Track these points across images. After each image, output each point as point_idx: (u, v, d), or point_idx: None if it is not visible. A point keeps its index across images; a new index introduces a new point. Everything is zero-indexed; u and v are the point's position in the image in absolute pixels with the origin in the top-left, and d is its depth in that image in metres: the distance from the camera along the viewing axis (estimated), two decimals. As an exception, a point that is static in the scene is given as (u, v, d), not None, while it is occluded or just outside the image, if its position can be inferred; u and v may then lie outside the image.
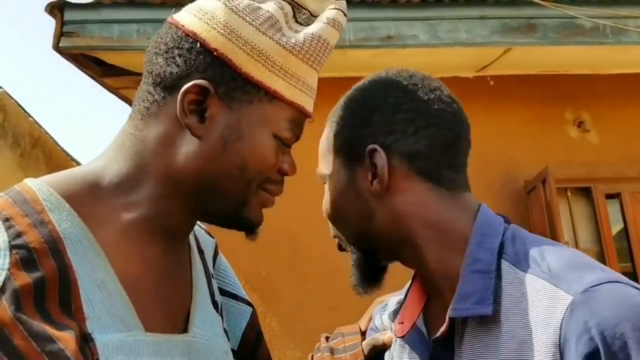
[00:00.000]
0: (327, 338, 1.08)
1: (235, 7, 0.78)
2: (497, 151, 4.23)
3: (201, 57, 0.76)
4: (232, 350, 0.93)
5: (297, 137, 0.84)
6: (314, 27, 0.81)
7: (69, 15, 3.80)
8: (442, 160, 0.84)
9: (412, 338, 0.85)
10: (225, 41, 0.75)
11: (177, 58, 0.77)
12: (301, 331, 3.87)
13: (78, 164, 5.55)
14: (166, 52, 0.78)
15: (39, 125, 5.00)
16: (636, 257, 4.13)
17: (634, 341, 0.60)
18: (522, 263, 0.75)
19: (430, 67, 4.58)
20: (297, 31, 0.81)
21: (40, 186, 0.74)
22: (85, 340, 0.66)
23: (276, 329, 3.97)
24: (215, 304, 0.90)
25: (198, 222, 0.97)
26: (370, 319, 1.05)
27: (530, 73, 4.48)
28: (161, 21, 3.70)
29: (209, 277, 0.91)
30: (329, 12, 0.83)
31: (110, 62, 4.13)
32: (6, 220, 0.69)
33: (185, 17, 0.80)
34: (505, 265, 0.76)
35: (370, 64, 4.24)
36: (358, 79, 4.07)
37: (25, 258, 0.67)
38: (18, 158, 4.66)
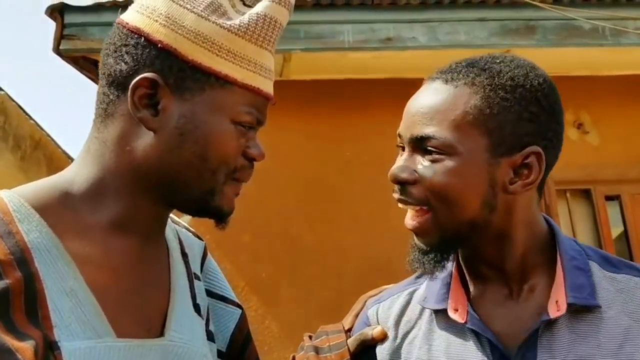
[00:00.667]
0: (310, 337, 1.06)
1: None
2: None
3: (147, 50, 0.76)
4: (220, 351, 0.94)
5: (258, 121, 0.82)
6: (260, 7, 0.81)
7: (69, 18, 3.82)
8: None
9: (475, 324, 0.82)
10: (168, 32, 0.75)
11: (125, 55, 0.77)
12: (301, 334, 3.85)
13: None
14: (115, 51, 0.79)
15: (40, 128, 5.01)
16: (636, 259, 4.13)
17: None
18: (608, 265, 0.85)
19: (430, 69, 4.56)
20: (244, 13, 0.81)
21: (12, 197, 0.75)
22: (50, 349, 0.67)
23: (276, 331, 3.98)
24: (197, 306, 0.89)
25: (186, 225, 0.98)
26: (355, 316, 1.03)
27: (529, 75, 4.48)
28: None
29: (191, 279, 0.91)
30: None
31: (111, 64, 4.15)
32: None
33: (129, 15, 0.82)
34: (594, 266, 0.85)
35: (369, 66, 4.25)
36: (358, 80, 4.09)
37: None
38: (19, 161, 4.67)
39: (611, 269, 0.85)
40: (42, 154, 4.95)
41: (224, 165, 0.78)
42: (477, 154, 0.80)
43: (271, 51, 0.82)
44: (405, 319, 0.94)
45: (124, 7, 3.54)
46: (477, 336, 0.82)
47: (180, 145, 0.76)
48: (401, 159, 0.86)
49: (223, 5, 0.79)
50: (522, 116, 0.82)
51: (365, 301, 1.04)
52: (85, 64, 4.10)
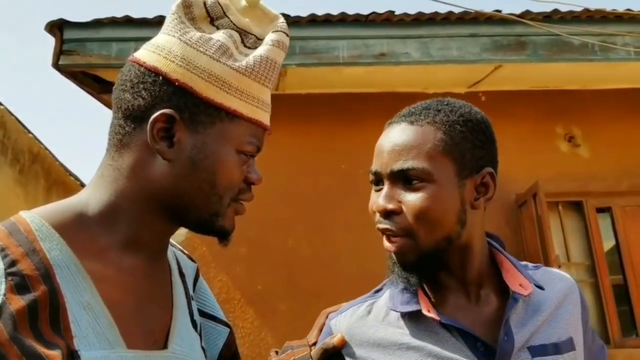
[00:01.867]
0: (276, 352, 1.13)
1: (189, 40, 0.87)
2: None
3: (164, 88, 0.84)
4: None
5: (258, 149, 0.92)
6: (261, 50, 0.91)
7: (68, 34, 3.88)
8: None
9: (447, 319, 0.95)
10: (184, 71, 0.84)
11: (143, 92, 0.85)
12: (297, 345, 3.89)
13: (77, 179, 5.59)
14: (132, 87, 0.87)
15: (39, 141, 5.04)
16: (627, 270, 4.18)
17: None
18: (525, 267, 1.06)
19: (423, 83, 4.68)
20: (246, 55, 0.90)
21: (33, 218, 0.81)
22: (72, 357, 0.73)
23: (271, 344, 3.99)
24: (194, 323, 0.97)
25: (180, 247, 1.06)
26: (320, 330, 1.10)
27: (521, 89, 4.56)
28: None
29: (189, 298, 0.99)
30: (272, 35, 0.93)
31: (109, 79, 4.20)
32: (2, 250, 0.76)
33: (144, 55, 0.89)
34: (531, 267, 1.08)
35: (364, 81, 4.32)
36: (353, 95, 4.16)
37: (19, 284, 0.74)
38: (17, 174, 4.70)
39: (531, 268, 1.08)
40: (41, 167, 4.97)
41: (230, 190, 0.87)
42: (449, 179, 0.94)
43: (270, 88, 0.92)
44: (368, 325, 1.02)
45: (123, 23, 3.60)
46: (448, 330, 0.94)
47: (192, 173, 0.84)
48: (382, 192, 0.97)
49: (230, 48, 0.88)
50: (475, 144, 0.97)
51: (327, 315, 1.12)
52: (84, 78, 4.16)
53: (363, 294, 1.11)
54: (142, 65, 0.87)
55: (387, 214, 0.95)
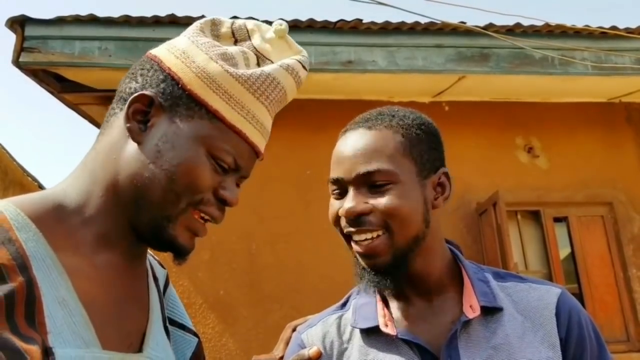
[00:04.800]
0: None
1: (197, 40, 0.87)
2: (451, 174, 4.35)
3: (156, 74, 0.84)
4: None
5: (237, 166, 0.86)
6: (268, 67, 0.88)
7: (30, 31, 3.79)
8: None
9: (405, 334, 0.95)
10: (179, 63, 0.84)
11: (138, 77, 0.85)
12: (258, 352, 3.87)
13: (34, 179, 5.45)
14: (132, 73, 0.87)
15: (-6, 140, 4.90)
16: (582, 278, 4.30)
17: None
18: (498, 277, 1.03)
19: (389, 92, 4.73)
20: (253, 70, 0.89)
21: (8, 206, 0.77)
22: (46, 354, 0.70)
23: (232, 349, 3.97)
24: (166, 329, 0.95)
25: (152, 253, 1.02)
26: (286, 344, 1.10)
27: (483, 100, 4.66)
28: (123, 39, 3.76)
29: (162, 303, 0.97)
30: (287, 59, 0.91)
31: (71, 78, 4.12)
32: None
33: (156, 49, 0.90)
34: (489, 277, 1.02)
35: (331, 88, 4.34)
36: (319, 101, 4.16)
37: None
38: (-29, 173, 4.57)
39: (500, 280, 1.03)
40: (-4, 167, 4.84)
41: (189, 191, 0.81)
42: (412, 179, 0.95)
43: (268, 108, 0.88)
44: (337, 339, 1.02)
45: (87, 22, 3.53)
46: (408, 345, 0.94)
47: (154, 161, 0.81)
48: (348, 197, 0.97)
49: (235, 58, 0.87)
50: (430, 146, 0.99)
51: (294, 328, 1.12)
52: (45, 77, 4.06)
53: (324, 300, 1.11)
54: (147, 56, 0.88)
55: (356, 217, 0.94)
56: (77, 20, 3.87)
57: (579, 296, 4.23)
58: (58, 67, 3.92)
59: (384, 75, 4.13)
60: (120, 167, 0.82)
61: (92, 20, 3.87)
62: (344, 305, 1.08)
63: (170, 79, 0.83)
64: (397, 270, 0.95)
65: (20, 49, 3.75)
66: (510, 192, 4.18)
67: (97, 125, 4.97)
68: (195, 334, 1.04)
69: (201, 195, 0.83)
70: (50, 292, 0.74)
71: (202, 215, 0.84)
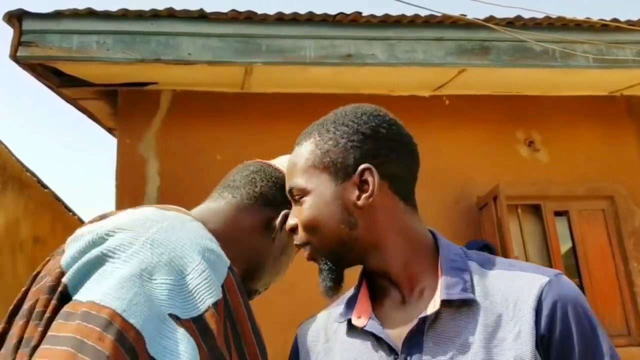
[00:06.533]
0: None
1: None
2: (451, 168, 4.34)
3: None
4: None
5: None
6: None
7: (27, 25, 3.76)
8: (411, 184, 1.01)
9: (372, 326, 0.95)
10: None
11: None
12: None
13: (33, 175, 5.44)
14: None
15: (-7, 135, 4.87)
16: (583, 273, 4.30)
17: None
18: (488, 264, 0.97)
19: (389, 85, 4.70)
20: None
21: None
22: None
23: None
24: None
25: None
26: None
27: (483, 93, 4.63)
28: (121, 33, 3.72)
29: None
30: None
31: (69, 72, 4.10)
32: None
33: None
34: (473, 265, 0.97)
35: (330, 82, 4.32)
36: (318, 95, 4.12)
37: (238, 282, 0.88)
38: (-30, 168, 4.54)
39: (489, 267, 0.97)
40: (-5, 162, 4.82)
41: None
42: (325, 187, 0.97)
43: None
44: (324, 334, 1.05)
45: (84, 15, 3.50)
46: (376, 338, 0.94)
47: None
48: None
49: None
50: (347, 147, 0.97)
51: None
52: (43, 71, 4.05)
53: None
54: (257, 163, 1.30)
55: (293, 230, 1.02)
56: (74, 14, 3.84)
57: (580, 290, 4.22)
58: (56, 62, 3.89)
59: (384, 69, 4.10)
60: None
61: (90, 14, 3.85)
62: (341, 300, 1.09)
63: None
64: (334, 273, 0.99)
65: (17, 43, 3.73)
66: (510, 186, 4.16)
67: (95, 120, 4.95)
68: None
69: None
70: None
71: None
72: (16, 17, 3.73)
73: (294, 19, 4.01)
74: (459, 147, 4.46)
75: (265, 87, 4.38)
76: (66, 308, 0.73)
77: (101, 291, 0.73)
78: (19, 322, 0.79)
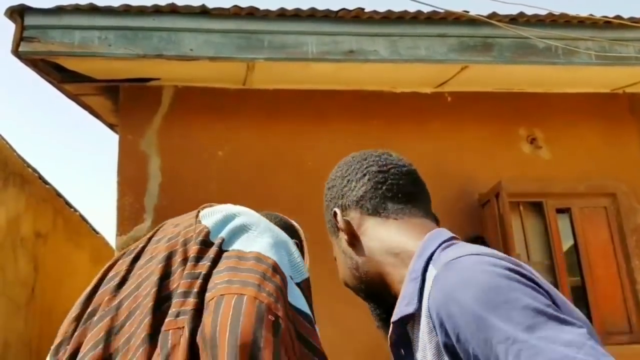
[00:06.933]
0: None
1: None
2: (453, 165, 4.34)
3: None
4: None
5: None
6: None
7: (29, 20, 3.76)
8: (383, 196, 1.00)
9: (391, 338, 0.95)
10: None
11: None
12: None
13: (35, 171, 5.44)
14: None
15: (-5, 131, 4.85)
16: (585, 270, 4.29)
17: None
18: (436, 263, 0.85)
19: (391, 82, 4.69)
20: None
21: None
22: None
23: None
24: None
25: None
26: None
27: (486, 90, 4.62)
28: (123, 28, 3.71)
29: None
30: None
31: (71, 68, 4.09)
32: None
33: None
34: (430, 269, 0.86)
35: (332, 78, 4.31)
36: (320, 91, 4.10)
37: None
38: (-28, 163, 4.54)
39: (435, 267, 0.84)
40: (-3, 158, 4.82)
41: None
42: (334, 244, 1.09)
43: None
44: None
45: (86, 11, 3.47)
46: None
47: None
48: None
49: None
50: (329, 205, 1.08)
51: None
52: (45, 67, 4.04)
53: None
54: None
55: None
56: (76, 9, 3.83)
57: (582, 288, 4.22)
58: (58, 57, 3.89)
59: (386, 65, 4.09)
60: None
61: (92, 9, 3.84)
62: None
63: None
64: (378, 312, 1.02)
65: (19, 39, 3.72)
66: (512, 183, 4.15)
67: (97, 116, 4.94)
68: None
69: None
70: None
71: None
72: (18, 13, 3.72)
73: (296, 15, 4.00)
74: (461, 144, 4.45)
75: (267, 83, 4.37)
76: (232, 253, 0.98)
77: (259, 247, 1.00)
78: (158, 268, 0.99)
